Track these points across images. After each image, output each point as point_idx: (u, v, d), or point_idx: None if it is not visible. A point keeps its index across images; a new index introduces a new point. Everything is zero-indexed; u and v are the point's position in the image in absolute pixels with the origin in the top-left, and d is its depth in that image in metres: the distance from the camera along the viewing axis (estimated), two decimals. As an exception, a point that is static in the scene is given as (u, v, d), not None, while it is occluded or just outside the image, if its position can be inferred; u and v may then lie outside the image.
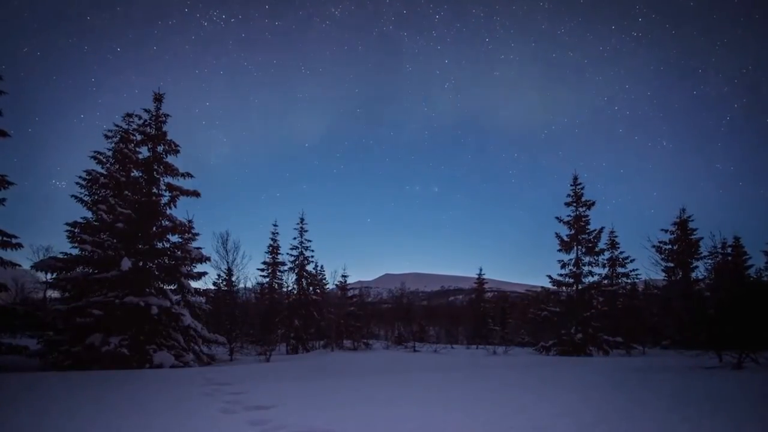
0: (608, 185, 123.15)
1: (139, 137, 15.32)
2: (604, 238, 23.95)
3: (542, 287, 25.66)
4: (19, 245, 12.68)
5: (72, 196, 14.75)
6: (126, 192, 14.60)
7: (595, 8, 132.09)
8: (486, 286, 40.33)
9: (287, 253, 26.59)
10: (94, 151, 15.44)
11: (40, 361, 12.93)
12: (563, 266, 23.27)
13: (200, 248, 15.90)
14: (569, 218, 23.34)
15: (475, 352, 24.16)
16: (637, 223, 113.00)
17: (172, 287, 15.33)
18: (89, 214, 14.66)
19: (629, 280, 25.55)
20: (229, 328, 19.24)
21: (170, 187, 15.48)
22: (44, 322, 13.57)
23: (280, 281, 26.79)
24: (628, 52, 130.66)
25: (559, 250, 23.47)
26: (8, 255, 12.61)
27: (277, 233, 26.68)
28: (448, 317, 47.35)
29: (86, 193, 15.08)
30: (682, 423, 4.52)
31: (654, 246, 22.85)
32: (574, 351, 20.85)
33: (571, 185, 23.56)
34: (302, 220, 26.61)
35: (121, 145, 15.16)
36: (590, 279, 23.14)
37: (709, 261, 23.19)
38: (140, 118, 15.45)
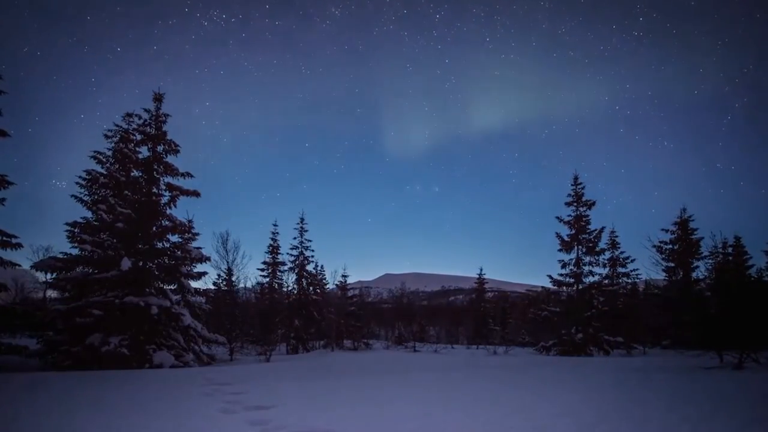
0: (609, 185, 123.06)
1: (139, 137, 15.30)
2: (605, 238, 23.97)
3: (543, 287, 25.63)
4: (19, 245, 12.67)
5: (72, 195, 14.74)
6: (126, 192, 14.59)
7: (596, 8, 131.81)
8: (486, 286, 40.30)
9: (287, 253, 26.62)
10: (94, 151, 15.44)
11: (40, 361, 12.92)
12: (564, 266, 23.25)
13: (200, 248, 15.89)
14: (570, 218, 23.32)
15: (476, 352, 24.15)
16: (638, 223, 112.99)
17: (172, 287, 15.31)
18: (89, 214, 14.64)
19: (630, 280, 25.53)
20: (229, 328, 19.22)
21: (170, 187, 15.47)
22: (44, 322, 13.55)
23: (280, 281, 26.78)
24: (629, 51, 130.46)
25: (560, 250, 23.45)
26: (8, 255, 12.61)
27: (277, 233, 26.69)
28: (448, 317, 47.31)
29: (86, 192, 15.06)
30: (683, 423, 4.51)
31: (654, 246, 22.77)
32: (575, 351, 20.83)
33: (571, 185, 23.58)
34: (302, 219, 26.63)
35: (121, 144, 15.14)
36: (591, 279, 23.14)
37: (710, 261, 23.14)
38: (140, 117, 15.44)
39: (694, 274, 23.34)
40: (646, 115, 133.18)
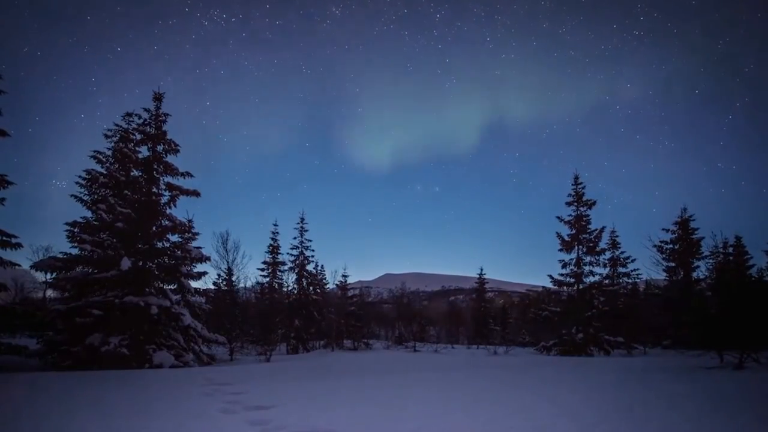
0: (609, 185, 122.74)
1: (138, 136, 15.29)
2: (605, 238, 23.96)
3: (543, 287, 25.64)
4: (19, 245, 12.65)
5: (72, 195, 14.71)
6: (126, 191, 14.58)
7: (597, 7, 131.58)
8: (487, 285, 40.31)
9: (287, 253, 26.63)
10: (94, 151, 15.41)
11: (40, 361, 12.91)
12: (564, 266, 23.23)
13: (200, 248, 15.87)
14: (570, 218, 23.30)
15: (476, 352, 24.15)
16: (638, 223, 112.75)
17: (172, 287, 15.29)
18: (89, 214, 14.62)
19: (630, 280, 25.51)
20: (229, 328, 19.21)
21: (170, 187, 15.46)
22: (44, 322, 13.53)
23: (280, 281, 26.77)
24: (630, 51, 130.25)
25: (560, 250, 23.43)
26: (8, 255, 12.58)
27: (278, 233, 26.68)
28: (448, 317, 47.33)
29: (86, 192, 15.04)
30: (684, 423, 4.50)
31: (655, 246, 22.80)
32: (575, 351, 20.82)
33: (572, 185, 23.56)
34: (302, 219, 26.65)
35: (120, 144, 15.12)
36: (591, 279, 23.12)
37: (711, 261, 23.17)
38: (140, 117, 15.44)
39: (694, 274, 23.35)
40: (646, 114, 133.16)
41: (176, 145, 15.51)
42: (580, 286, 22.93)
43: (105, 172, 14.92)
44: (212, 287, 21.51)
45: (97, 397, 6.61)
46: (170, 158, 15.54)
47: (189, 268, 15.51)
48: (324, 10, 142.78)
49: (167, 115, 15.56)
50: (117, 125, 15.45)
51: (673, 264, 23.80)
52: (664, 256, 23.67)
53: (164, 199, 15.39)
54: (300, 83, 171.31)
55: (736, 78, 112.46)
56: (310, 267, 27.05)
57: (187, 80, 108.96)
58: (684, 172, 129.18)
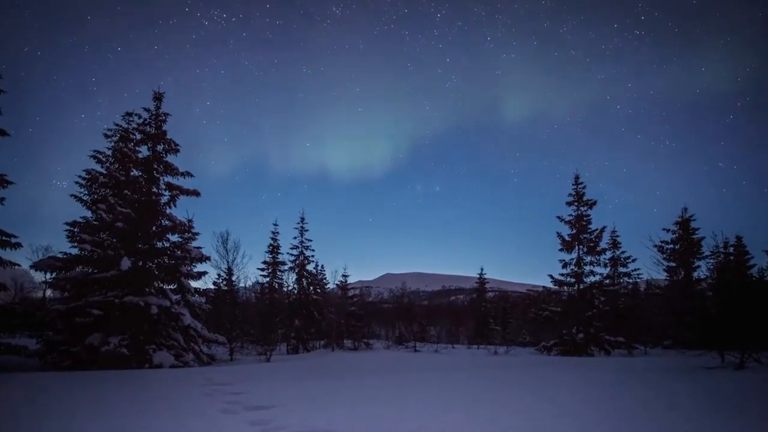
0: (610, 184, 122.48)
1: (138, 136, 15.28)
2: (606, 238, 23.91)
3: (543, 287, 25.58)
4: (19, 245, 12.64)
5: (71, 195, 14.69)
6: (126, 191, 14.56)
7: (598, 6, 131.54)
8: (487, 285, 40.30)
9: (288, 253, 26.58)
10: (94, 150, 15.40)
11: (40, 361, 12.90)
12: (565, 266, 23.18)
13: (200, 248, 15.87)
14: (571, 218, 23.26)
15: (476, 352, 24.13)
16: (639, 223, 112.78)
17: (171, 287, 15.28)
18: (89, 214, 14.61)
19: (631, 280, 25.49)
20: (229, 328, 19.20)
21: (170, 187, 15.45)
22: (43, 321, 13.53)
23: (280, 281, 26.75)
24: (631, 50, 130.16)
25: (561, 250, 23.39)
26: (7, 254, 12.58)
27: (278, 233, 26.63)
28: (449, 317, 47.26)
29: (86, 192, 15.03)
30: (684, 423, 4.49)
31: (656, 245, 22.80)
32: (576, 351, 20.79)
33: (572, 184, 23.50)
34: (303, 219, 26.61)
35: (120, 144, 15.11)
36: (592, 279, 23.05)
37: (711, 260, 23.17)
38: (140, 117, 15.42)
39: (695, 274, 23.33)
40: (647, 114, 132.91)
41: (176, 144, 15.50)
42: (581, 286, 22.90)
43: (105, 172, 14.91)
44: (212, 287, 21.51)
45: (97, 397, 6.60)
46: (170, 158, 15.55)
47: (189, 268, 15.50)
48: (324, 9, 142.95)
49: (167, 114, 15.57)
50: (117, 125, 15.45)
51: (674, 264, 23.78)
52: (664, 255, 23.65)
53: (164, 199, 15.39)
54: (300, 83, 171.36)
55: (737, 78, 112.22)
56: (310, 267, 27.05)
57: (188, 80, 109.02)
58: (685, 171, 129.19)
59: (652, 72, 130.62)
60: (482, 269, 38.02)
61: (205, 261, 15.83)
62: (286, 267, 26.48)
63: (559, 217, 23.52)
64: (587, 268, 22.98)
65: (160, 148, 15.38)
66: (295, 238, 26.58)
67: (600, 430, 4.26)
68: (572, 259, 23.09)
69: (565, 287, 23.43)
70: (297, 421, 4.70)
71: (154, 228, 15.03)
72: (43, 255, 27.58)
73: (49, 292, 30.37)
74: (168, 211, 15.37)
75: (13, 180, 12.41)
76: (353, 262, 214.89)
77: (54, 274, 14.00)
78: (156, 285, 14.69)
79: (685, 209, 24.44)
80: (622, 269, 24.81)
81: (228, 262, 21.82)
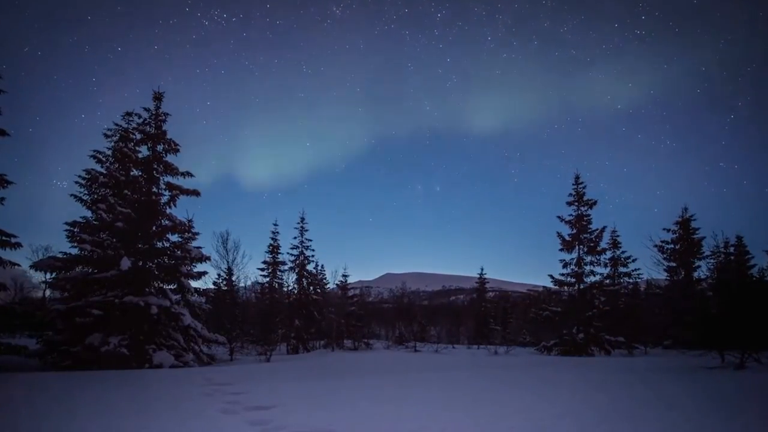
0: (610, 184, 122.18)
1: (138, 136, 15.27)
2: (606, 238, 23.90)
3: (544, 287, 25.58)
4: (19, 245, 12.62)
5: (71, 195, 14.70)
6: (126, 191, 14.56)
7: (598, 6, 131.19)
8: (487, 285, 40.30)
9: (288, 253, 26.57)
10: (94, 150, 15.40)
11: (40, 361, 12.90)
12: (565, 266, 23.17)
13: (200, 248, 15.85)
14: (571, 217, 23.24)
15: (477, 352, 24.12)
16: (639, 223, 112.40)
17: (171, 287, 15.27)
18: (89, 214, 14.61)
19: (631, 280, 25.47)
20: (229, 328, 19.19)
21: (170, 186, 15.45)
22: (43, 321, 13.54)
23: (280, 281, 26.74)
24: (631, 50, 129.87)
25: (561, 250, 23.37)
26: (7, 254, 12.56)
27: (278, 233, 26.63)
28: (449, 317, 47.28)
29: (86, 192, 15.03)
30: (684, 423, 4.48)
31: (656, 245, 22.81)
32: (576, 351, 20.78)
33: (572, 184, 23.47)
34: (303, 219, 26.59)
35: (120, 144, 15.11)
36: (592, 278, 23.03)
37: (712, 260, 23.13)
38: (140, 116, 15.42)
39: (695, 274, 23.32)
40: (648, 114, 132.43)
41: (176, 144, 15.50)
42: (581, 286, 22.89)
43: (105, 172, 14.91)
44: (212, 287, 21.49)
45: (97, 397, 6.60)
46: (170, 158, 15.55)
47: (189, 268, 15.49)
48: (324, 9, 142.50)
49: (167, 114, 15.57)
50: (117, 125, 15.45)
51: (674, 264, 23.76)
52: (665, 255, 23.64)
53: (164, 199, 15.39)
54: (301, 82, 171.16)
55: (738, 77, 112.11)
56: (310, 267, 27.03)
57: (188, 80, 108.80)
58: (685, 171, 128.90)
59: (653, 71, 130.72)
60: (482, 269, 38.09)
61: (205, 261, 15.82)
62: (286, 267, 26.49)
63: (559, 217, 23.52)
64: (587, 268, 22.97)
65: (160, 147, 15.37)
66: (295, 238, 26.60)
67: (600, 430, 4.25)
68: (572, 259, 23.08)
69: (566, 287, 23.41)
70: (297, 421, 4.70)
71: (154, 228, 15.02)
72: (43, 255, 27.62)
73: (49, 292, 30.39)
74: (168, 211, 15.38)
75: (13, 180, 12.41)
76: (353, 262, 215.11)
77: (54, 274, 14.00)
78: (156, 285, 14.69)
79: (686, 209, 24.45)
80: (622, 269, 24.81)
81: (228, 262, 21.83)
